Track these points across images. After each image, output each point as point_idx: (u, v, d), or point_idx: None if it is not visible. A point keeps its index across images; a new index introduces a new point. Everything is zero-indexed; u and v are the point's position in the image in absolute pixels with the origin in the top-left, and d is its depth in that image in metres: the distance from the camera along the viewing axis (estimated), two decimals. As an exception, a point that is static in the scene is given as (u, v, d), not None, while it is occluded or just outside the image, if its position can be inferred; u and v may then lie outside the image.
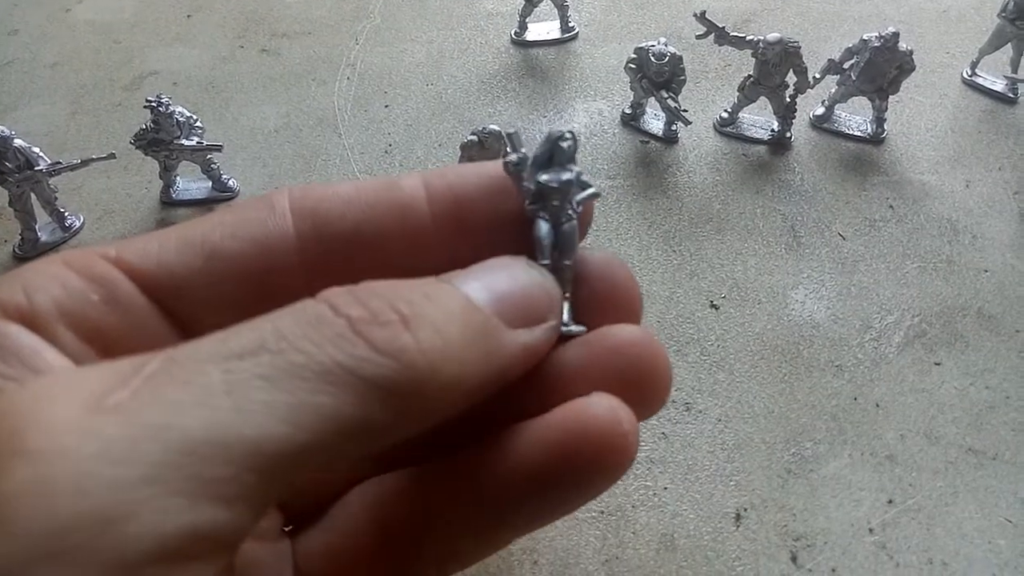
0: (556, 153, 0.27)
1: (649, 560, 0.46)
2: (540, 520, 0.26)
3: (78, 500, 0.16)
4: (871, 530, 0.47)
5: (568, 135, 0.28)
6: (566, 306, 0.27)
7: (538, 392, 0.25)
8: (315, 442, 0.19)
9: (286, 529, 0.29)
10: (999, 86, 0.73)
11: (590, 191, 0.28)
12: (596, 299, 0.27)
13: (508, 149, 0.27)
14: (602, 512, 0.48)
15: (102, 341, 0.24)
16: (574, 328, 0.26)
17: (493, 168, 0.28)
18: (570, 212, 0.27)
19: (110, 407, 0.18)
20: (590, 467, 0.23)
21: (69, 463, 0.17)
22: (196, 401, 0.18)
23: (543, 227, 0.27)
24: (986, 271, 0.59)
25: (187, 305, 0.26)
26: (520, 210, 0.27)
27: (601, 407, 0.23)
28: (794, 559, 0.46)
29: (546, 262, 0.26)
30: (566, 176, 0.27)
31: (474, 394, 0.22)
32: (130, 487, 0.17)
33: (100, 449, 0.17)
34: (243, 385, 0.18)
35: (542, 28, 0.80)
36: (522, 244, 0.27)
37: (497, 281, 0.24)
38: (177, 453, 0.17)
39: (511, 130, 0.28)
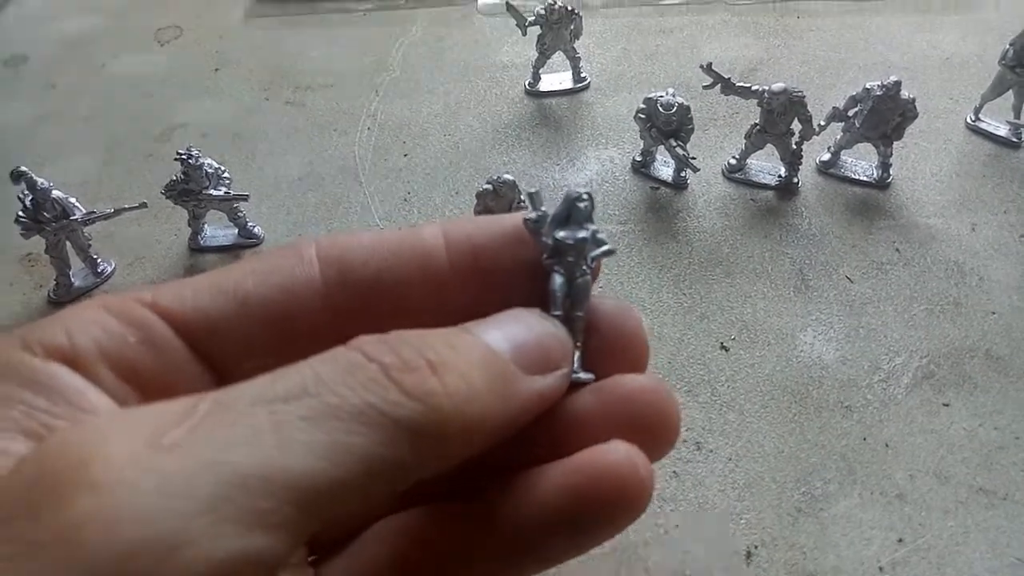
0: (573, 212, 0.29)
1: (661, 599, 0.46)
2: (555, 561, 0.27)
3: (142, 528, 0.18)
4: (881, 569, 0.47)
5: (585, 196, 0.30)
6: (577, 354, 0.29)
7: (552, 437, 0.27)
8: (349, 479, 0.20)
9: (310, 559, 0.31)
10: (1002, 131, 0.74)
11: (604, 248, 0.30)
12: (606, 347, 0.29)
13: (529, 207, 0.29)
14: (614, 550, 0.48)
15: (140, 381, 0.26)
16: (583, 375, 0.28)
17: (510, 220, 0.29)
18: (584, 267, 0.29)
19: (167, 445, 0.20)
20: (608, 510, 0.25)
21: (132, 494, 0.18)
22: (244, 440, 0.20)
23: (558, 280, 0.28)
24: (993, 313, 0.60)
25: (219, 347, 0.27)
26: (535, 261, 0.29)
27: (619, 453, 0.25)
28: (805, 598, 0.46)
29: (558, 313, 0.28)
30: (581, 234, 0.29)
31: (493, 436, 0.24)
32: (188, 517, 0.18)
33: (160, 482, 0.19)
34: (287, 426, 0.20)
35: (555, 79, 0.83)
36: (536, 293, 0.29)
37: (514, 331, 0.26)
38: (228, 486, 0.19)
39: (533, 190, 0.29)
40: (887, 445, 0.53)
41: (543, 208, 0.29)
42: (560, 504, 0.25)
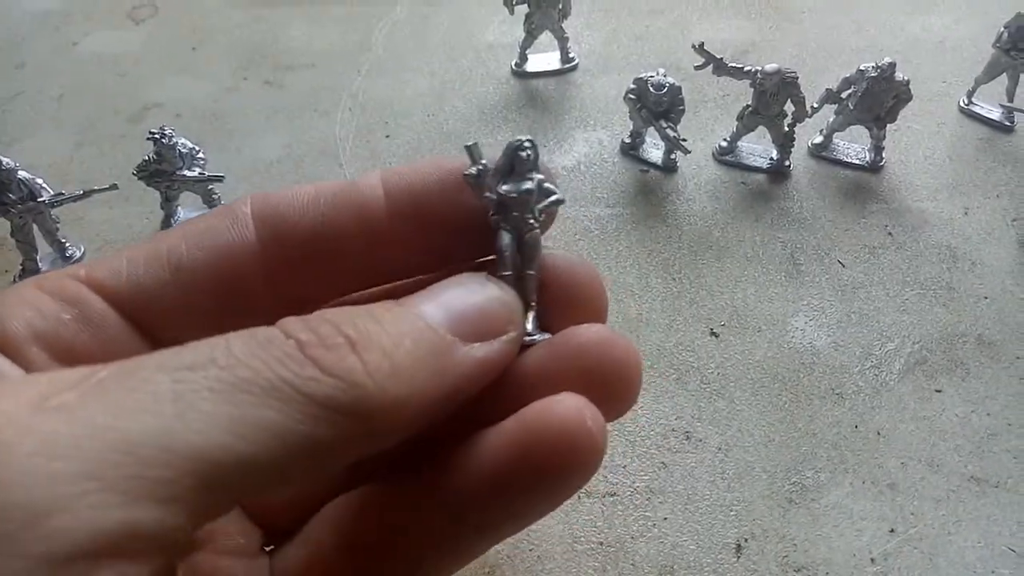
0: (516, 163, 0.27)
1: (649, 591, 0.45)
2: (508, 526, 0.25)
3: (11, 490, 0.16)
4: (873, 560, 0.46)
5: (527, 143, 0.28)
6: (531, 315, 0.27)
7: (504, 400, 0.25)
8: (260, 455, 0.19)
9: (267, 549, 0.29)
10: (995, 115, 0.73)
11: (553, 198, 0.28)
12: (561, 301, 0.28)
13: (468, 161, 0.27)
14: (601, 544, 0.47)
15: (77, 360, 0.25)
16: (538, 336, 0.26)
17: (450, 164, 0.28)
18: (532, 221, 0.27)
19: (54, 406, 0.18)
20: (555, 467, 0.23)
21: (4, 457, 0.17)
22: (141, 406, 0.18)
23: (505, 238, 0.27)
24: (986, 298, 0.59)
25: (158, 318, 0.26)
26: (480, 208, 0.27)
27: (564, 405, 0.23)
28: (796, 590, 0.45)
29: (508, 272, 0.27)
30: (526, 186, 0.27)
31: (431, 410, 0.23)
32: (66, 482, 0.17)
33: (39, 444, 0.17)
34: (190, 395, 0.19)
35: (542, 59, 0.81)
36: (483, 242, 0.27)
37: (452, 299, 0.25)
38: (117, 452, 0.17)
39: (470, 142, 0.28)
40: (879, 433, 0.52)
41: (483, 161, 0.27)
42: (503, 465, 0.23)
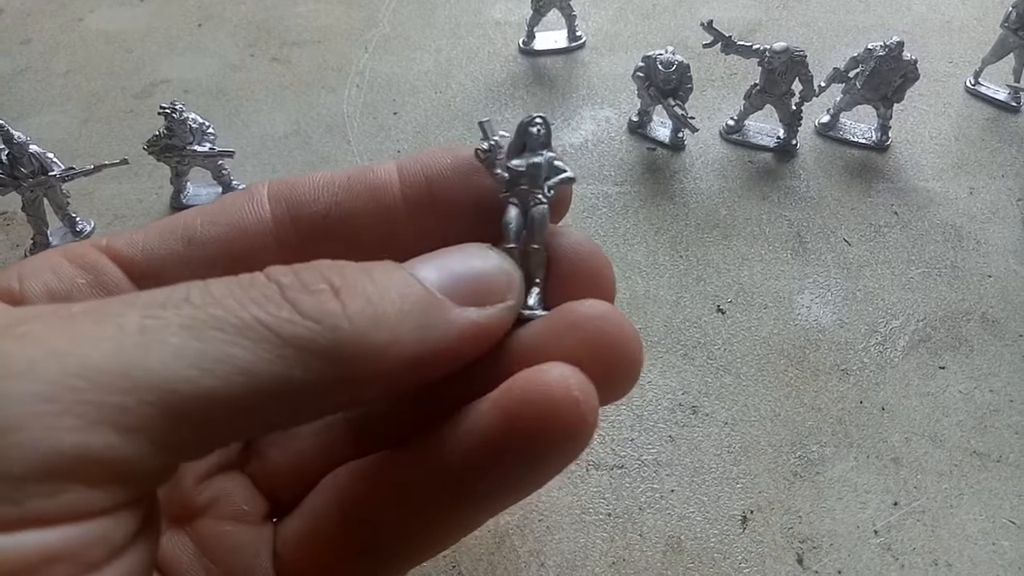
0: (527, 139, 0.28)
1: (656, 562, 0.46)
2: (503, 496, 0.25)
3: None
4: (876, 532, 0.47)
5: (538, 120, 0.28)
6: (535, 291, 0.27)
7: (498, 372, 0.25)
8: (226, 391, 0.19)
9: (274, 521, 0.30)
10: (1002, 95, 0.73)
11: (564, 175, 0.28)
12: (567, 279, 0.27)
13: (482, 137, 0.27)
14: (609, 515, 0.48)
15: None
16: (539, 312, 0.26)
17: (464, 151, 0.28)
18: (540, 196, 0.27)
19: (17, 333, 0.18)
20: (542, 435, 0.22)
21: None
22: (106, 336, 0.18)
23: (511, 211, 0.27)
24: (990, 276, 0.60)
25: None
26: (493, 192, 0.27)
27: (551, 374, 0.23)
28: (800, 561, 0.46)
29: (512, 246, 0.26)
30: (534, 160, 0.27)
31: (415, 369, 0.22)
32: (19, 402, 0.17)
33: None
34: (158, 328, 0.19)
35: (550, 37, 0.81)
36: (495, 226, 0.27)
37: (450, 262, 0.24)
38: (75, 377, 0.18)
39: (484, 119, 0.28)
40: (883, 408, 0.52)
41: (495, 138, 0.27)
42: (491, 433, 0.23)
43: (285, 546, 0.28)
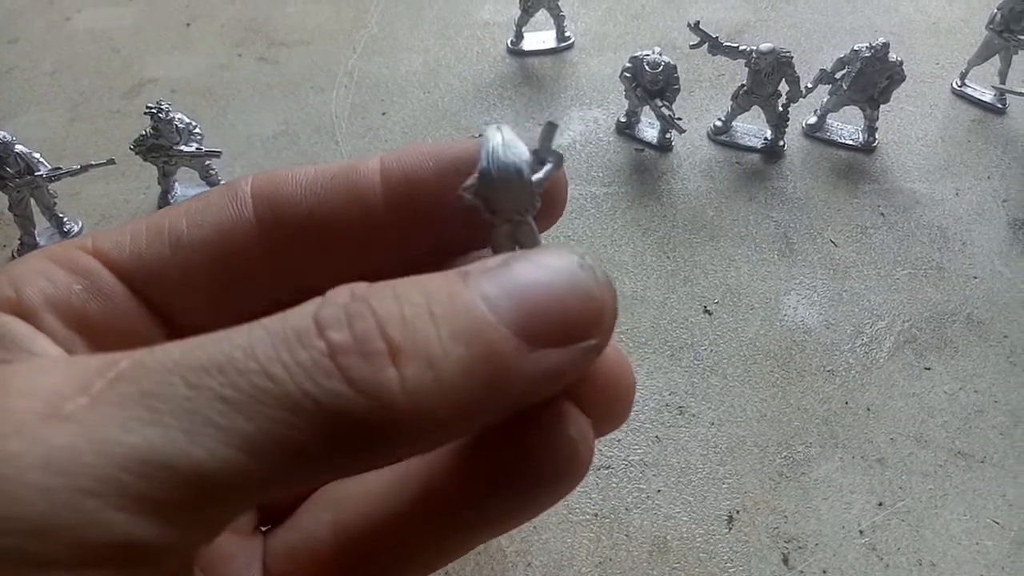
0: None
1: (642, 562, 0.46)
2: (498, 527, 0.25)
3: (14, 505, 0.17)
4: (861, 532, 0.47)
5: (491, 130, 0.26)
6: None
7: None
8: (274, 474, 0.18)
9: (263, 529, 0.30)
10: (988, 97, 0.74)
11: (547, 168, 0.26)
12: (591, 390, 0.25)
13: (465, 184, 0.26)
14: (595, 515, 0.48)
15: (88, 329, 0.25)
16: None
17: (446, 149, 0.27)
18: (520, 216, 0.26)
19: (64, 415, 0.18)
20: (541, 471, 0.23)
21: (12, 467, 0.17)
22: (151, 418, 0.18)
23: (503, 230, 0.25)
24: (975, 278, 0.60)
25: (161, 292, 0.26)
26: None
27: (552, 411, 0.22)
28: (785, 561, 0.46)
29: None
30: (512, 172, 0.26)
31: (467, 429, 0.21)
32: (67, 497, 0.17)
33: (44, 458, 0.17)
34: (203, 406, 0.18)
35: (538, 38, 0.81)
36: (479, 232, 0.26)
37: (527, 284, 0.20)
38: (121, 469, 0.17)
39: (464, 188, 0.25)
40: (868, 409, 0.52)
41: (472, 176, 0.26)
42: (489, 466, 0.23)
43: (275, 560, 0.28)
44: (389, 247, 0.28)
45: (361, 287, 0.20)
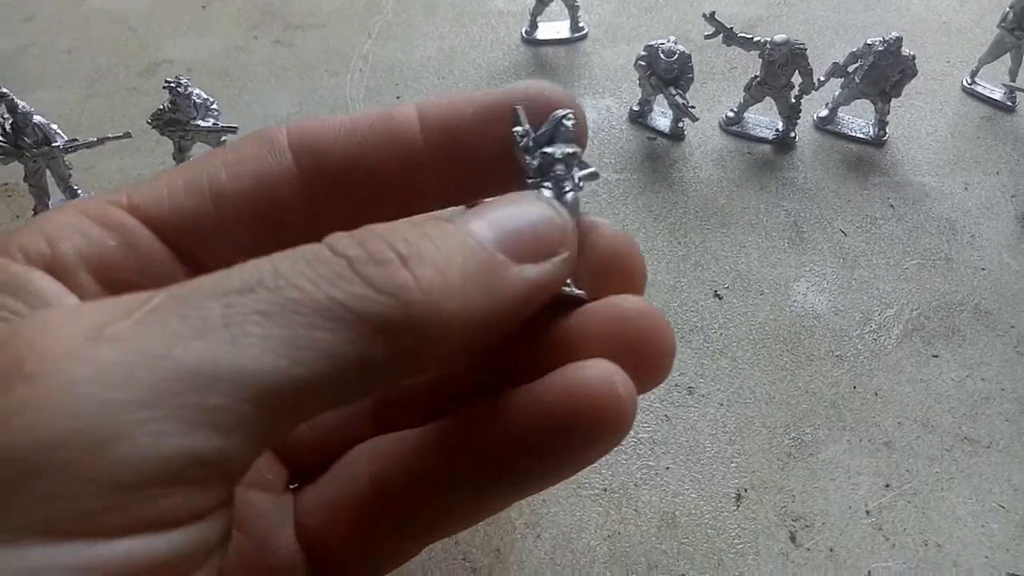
0: (558, 132, 0.28)
1: (651, 536, 0.46)
2: (536, 483, 0.25)
3: (72, 420, 0.17)
4: (868, 512, 0.47)
5: (571, 115, 0.28)
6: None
7: (540, 358, 0.25)
8: (313, 377, 0.19)
9: (292, 487, 0.30)
10: (998, 95, 0.74)
11: (589, 170, 0.28)
12: (600, 268, 0.27)
13: (517, 121, 0.27)
14: (605, 490, 0.48)
15: (121, 286, 0.24)
16: (575, 290, 0.26)
17: (483, 97, 0.27)
18: (571, 184, 0.27)
19: (109, 336, 0.18)
20: (585, 431, 0.23)
21: (67, 385, 0.17)
22: (194, 333, 0.18)
23: (545, 195, 0.26)
24: (983, 269, 0.60)
25: (199, 246, 0.26)
26: (511, 139, 0.27)
27: (598, 371, 0.23)
28: (793, 538, 0.46)
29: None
30: (569, 149, 0.28)
31: (479, 334, 0.22)
32: (124, 410, 0.17)
33: (96, 374, 0.17)
34: (241, 320, 0.19)
35: (552, 27, 0.81)
36: (514, 177, 0.27)
37: (503, 217, 0.24)
38: (172, 381, 0.18)
39: (517, 105, 0.28)
40: (876, 394, 0.53)
41: (527, 126, 0.27)
42: (537, 424, 0.24)
43: (308, 514, 0.28)
44: (427, 197, 0.28)
45: (357, 230, 0.22)
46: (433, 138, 0.28)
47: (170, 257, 0.27)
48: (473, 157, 0.28)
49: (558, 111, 0.27)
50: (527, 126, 0.27)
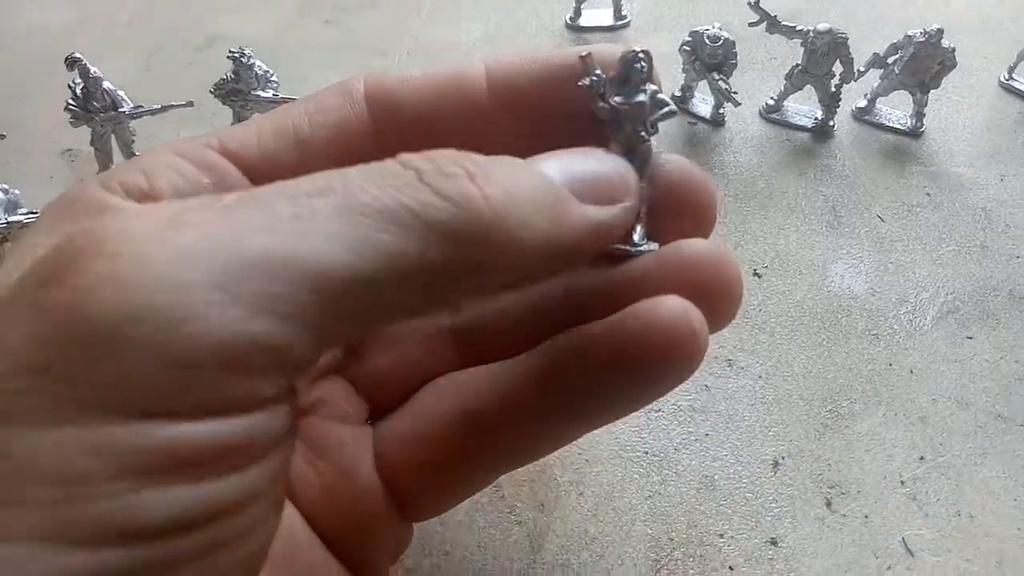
0: (631, 74, 0.28)
1: (690, 497, 0.48)
2: (619, 410, 0.27)
3: (149, 295, 0.17)
4: (903, 482, 0.49)
5: (642, 55, 0.28)
6: (639, 227, 0.29)
7: (610, 300, 0.26)
8: (374, 274, 0.19)
9: (367, 421, 0.32)
10: (1035, 91, 0.75)
11: (666, 110, 0.28)
12: (672, 207, 0.28)
13: (584, 72, 0.28)
14: (645, 453, 0.50)
15: None
16: (645, 247, 0.27)
17: (546, 58, 0.29)
18: (644, 134, 0.28)
19: (186, 222, 0.19)
20: (660, 362, 0.24)
21: (144, 262, 0.18)
22: (264, 226, 0.19)
23: (614, 148, 0.27)
24: (1018, 257, 0.62)
25: None
26: (581, 103, 0.28)
27: (673, 305, 0.24)
28: (828, 504, 0.48)
29: None
30: (639, 98, 0.28)
31: (540, 260, 0.23)
32: (197, 291, 0.18)
33: (174, 255, 0.18)
34: (309, 216, 0.19)
35: (596, 15, 0.83)
36: (581, 136, 0.28)
37: (571, 162, 0.25)
38: (242, 266, 0.18)
39: (584, 53, 0.28)
40: (911, 371, 0.54)
41: (598, 72, 0.28)
42: (614, 356, 0.25)
43: (389, 446, 0.29)
44: (494, 149, 0.30)
45: (432, 151, 0.23)
46: (499, 94, 0.29)
47: None
48: (538, 114, 0.29)
49: (627, 53, 0.28)
50: (597, 73, 0.27)
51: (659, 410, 0.52)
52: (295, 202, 0.20)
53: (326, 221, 0.19)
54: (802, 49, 0.69)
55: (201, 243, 0.18)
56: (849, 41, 0.69)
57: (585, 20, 0.83)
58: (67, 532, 0.16)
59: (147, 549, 0.17)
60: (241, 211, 0.20)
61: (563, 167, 0.25)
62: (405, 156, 0.22)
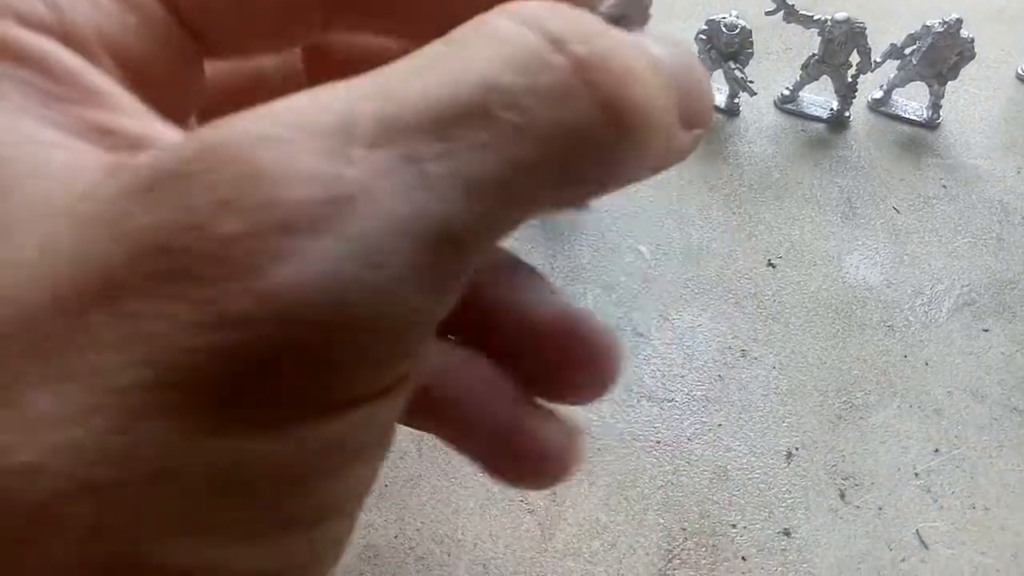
0: None
1: (703, 487, 0.48)
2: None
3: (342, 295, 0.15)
4: (917, 475, 0.49)
5: None
6: None
7: None
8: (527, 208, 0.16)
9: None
10: (1053, 83, 0.75)
11: None
12: (556, 361, 0.22)
13: None
14: (658, 442, 0.50)
15: (146, 77, 0.19)
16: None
17: None
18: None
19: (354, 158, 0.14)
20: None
21: (327, 263, 0.14)
22: (420, 185, 0.14)
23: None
24: (1035, 250, 0.61)
25: (215, 31, 0.20)
26: None
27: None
28: (842, 496, 0.48)
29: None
30: None
31: (642, 176, 0.19)
32: (394, 280, 0.15)
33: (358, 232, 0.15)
34: (450, 174, 0.14)
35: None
36: None
37: (678, 63, 0.19)
38: (408, 239, 0.16)
39: None
40: (927, 363, 0.54)
41: None
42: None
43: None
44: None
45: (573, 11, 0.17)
46: None
47: (189, 41, 0.20)
48: None
49: None
50: None
51: (672, 400, 0.52)
52: (442, 143, 0.14)
53: (479, 164, 0.15)
54: (819, 39, 0.68)
55: (376, 224, 0.15)
56: (867, 31, 0.68)
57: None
58: None
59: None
60: (395, 168, 0.15)
61: (677, 76, 0.20)
62: (551, 25, 0.15)
